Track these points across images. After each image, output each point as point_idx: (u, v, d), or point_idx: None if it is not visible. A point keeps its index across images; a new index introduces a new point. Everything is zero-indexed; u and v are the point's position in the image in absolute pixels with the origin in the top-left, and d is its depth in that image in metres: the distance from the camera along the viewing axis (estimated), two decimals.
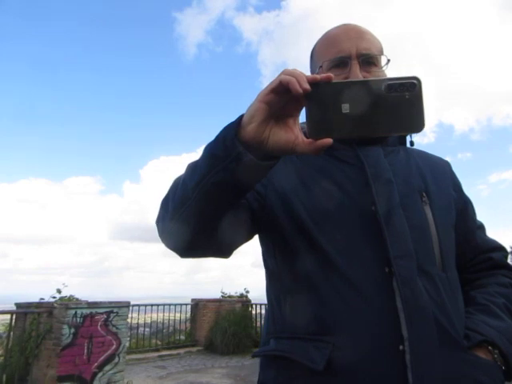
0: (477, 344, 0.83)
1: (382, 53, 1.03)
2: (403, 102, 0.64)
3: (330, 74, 0.65)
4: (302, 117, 0.70)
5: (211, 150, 0.74)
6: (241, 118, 0.69)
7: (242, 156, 0.68)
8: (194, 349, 9.44)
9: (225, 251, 0.94)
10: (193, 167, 0.79)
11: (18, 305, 6.91)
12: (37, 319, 6.42)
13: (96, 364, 6.56)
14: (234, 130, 0.68)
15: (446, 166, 1.11)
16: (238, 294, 10.48)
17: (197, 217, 0.78)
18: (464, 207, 1.07)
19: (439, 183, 1.01)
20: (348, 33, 1.01)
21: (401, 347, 0.78)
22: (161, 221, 0.87)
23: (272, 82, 0.65)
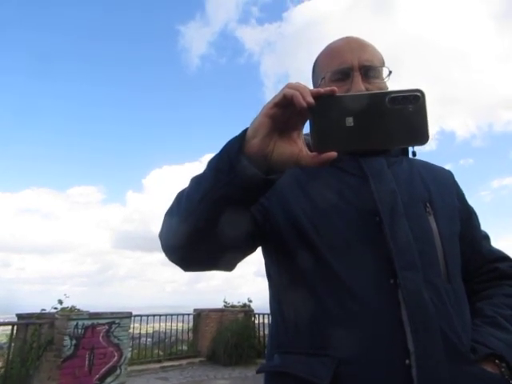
0: (484, 357, 0.82)
1: (383, 64, 1.03)
2: (407, 114, 0.64)
3: (334, 88, 0.65)
4: (306, 128, 0.70)
5: (216, 164, 0.74)
6: (245, 131, 0.69)
7: (247, 170, 0.67)
8: (197, 360, 9.36)
9: (229, 264, 0.94)
10: (197, 181, 0.79)
11: (19, 316, 6.88)
12: (38, 330, 6.40)
13: (97, 376, 6.52)
14: (238, 143, 0.68)
15: (449, 175, 1.11)
16: (240, 304, 10.42)
17: (201, 231, 0.77)
18: (468, 217, 1.06)
19: (443, 193, 1.01)
20: (350, 45, 1.02)
21: (407, 361, 0.77)
22: (164, 234, 0.87)
23: (276, 96, 0.65)
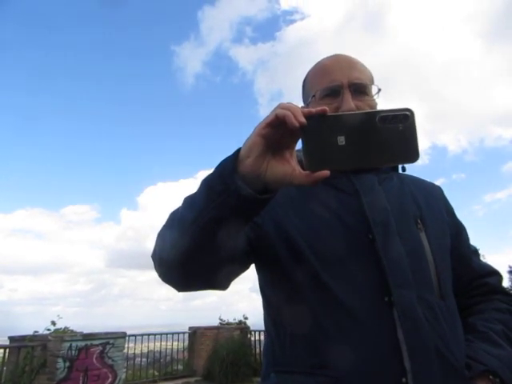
0: (478, 374, 0.83)
1: (372, 82, 1.05)
2: (397, 133, 0.65)
3: (325, 108, 0.66)
4: (298, 144, 0.70)
5: (209, 183, 0.73)
6: (238, 151, 0.69)
7: (241, 190, 0.67)
8: (192, 379, 9.19)
9: (222, 283, 0.93)
10: (190, 201, 0.78)
11: (11, 338, 6.75)
12: (30, 353, 6.27)
13: None
14: (231, 164, 0.68)
15: (439, 191, 1.12)
16: (236, 321, 10.30)
17: (194, 251, 0.77)
18: (458, 232, 1.07)
19: (433, 209, 1.01)
20: (340, 63, 1.03)
21: (403, 379, 0.77)
22: (157, 255, 0.86)
23: (268, 117, 0.65)
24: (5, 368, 6.13)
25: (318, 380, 0.80)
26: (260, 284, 1.02)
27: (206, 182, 0.75)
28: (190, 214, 0.75)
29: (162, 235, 0.85)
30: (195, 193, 0.78)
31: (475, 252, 1.11)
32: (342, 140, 0.65)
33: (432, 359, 0.79)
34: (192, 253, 0.77)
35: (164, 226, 0.86)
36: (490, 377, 0.83)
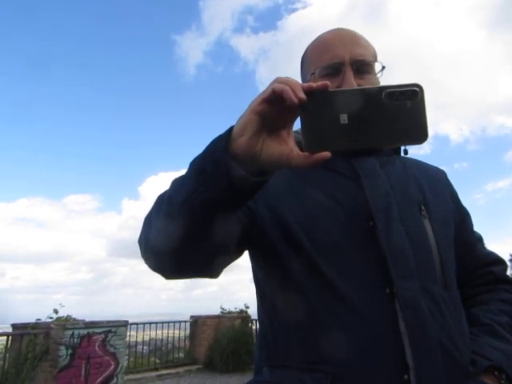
0: (484, 370, 0.79)
1: (376, 59, 0.98)
2: (404, 111, 0.60)
3: (327, 82, 0.61)
4: (296, 124, 0.65)
5: (199, 164, 0.68)
6: (230, 129, 0.63)
7: (233, 171, 0.61)
8: (194, 367, 9.27)
9: (213, 271, 0.86)
10: (179, 183, 0.73)
11: (14, 326, 6.80)
12: (33, 340, 6.31)
13: None
14: (223, 143, 0.63)
15: (443, 175, 1.07)
16: (237, 310, 10.35)
17: (183, 236, 0.71)
18: (462, 219, 1.02)
19: (437, 194, 0.97)
20: (342, 38, 0.97)
21: (405, 376, 0.73)
22: (143, 240, 0.80)
23: (264, 92, 0.60)
24: (8, 355, 6.18)
25: (314, 376, 0.75)
26: (253, 272, 0.97)
27: (196, 163, 0.69)
28: (178, 196, 0.69)
29: (148, 219, 0.80)
30: (184, 175, 0.73)
31: (480, 239, 1.07)
32: (344, 118, 0.60)
33: (436, 355, 0.75)
34: (180, 237, 0.71)
35: (151, 209, 0.80)
36: (496, 372, 0.79)
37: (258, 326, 9.76)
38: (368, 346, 0.75)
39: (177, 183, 0.74)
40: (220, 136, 0.65)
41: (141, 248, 0.82)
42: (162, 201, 0.75)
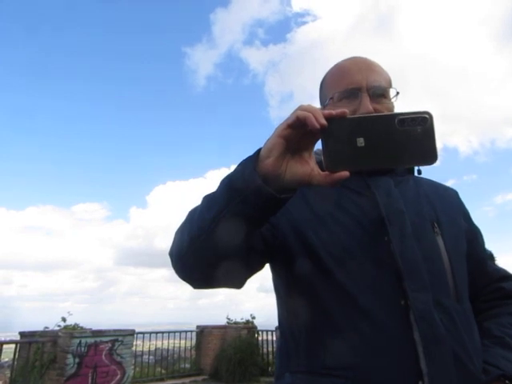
0: (495, 379, 0.83)
1: (390, 85, 1.04)
2: (415, 135, 0.66)
3: (345, 110, 0.67)
4: (316, 146, 0.72)
5: (230, 182, 0.74)
6: (258, 151, 0.70)
7: (261, 189, 0.68)
8: (200, 378, 9.23)
9: (238, 282, 0.94)
10: (210, 199, 0.80)
11: (22, 334, 6.82)
12: (41, 348, 6.33)
13: None
14: (252, 163, 0.70)
15: (455, 195, 1.12)
16: (243, 320, 10.32)
17: (213, 248, 0.78)
18: (474, 237, 1.07)
19: (449, 213, 1.01)
20: (358, 65, 1.03)
21: (420, 382, 0.77)
22: (175, 252, 0.87)
23: (289, 118, 0.67)
24: (15, 363, 6.20)
25: (333, 381, 0.80)
26: (274, 284, 1.03)
27: (227, 181, 0.76)
28: (210, 211, 0.76)
29: (180, 233, 0.86)
30: (215, 191, 0.79)
31: (490, 256, 1.11)
32: (361, 141, 0.66)
33: (449, 363, 0.79)
34: (210, 250, 0.78)
35: (182, 224, 0.87)
36: (506, 381, 0.83)
37: (263, 337, 9.70)
38: (384, 353, 0.80)
39: (208, 199, 0.81)
40: (249, 157, 0.72)
41: (172, 259, 0.89)
42: (194, 215, 0.83)
